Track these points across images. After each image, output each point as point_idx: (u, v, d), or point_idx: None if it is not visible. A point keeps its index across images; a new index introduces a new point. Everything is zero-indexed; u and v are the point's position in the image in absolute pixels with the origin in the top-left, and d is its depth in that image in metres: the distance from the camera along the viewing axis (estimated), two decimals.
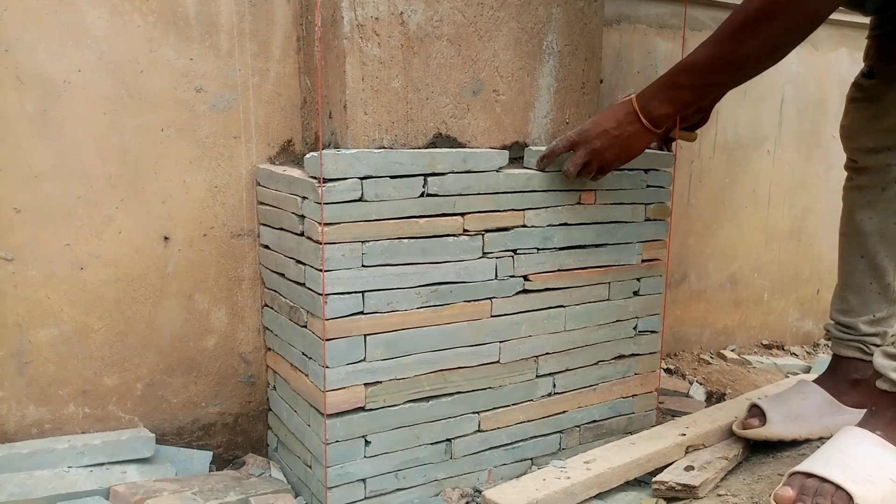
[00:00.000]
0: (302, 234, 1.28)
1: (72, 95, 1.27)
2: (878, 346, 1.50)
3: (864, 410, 1.50)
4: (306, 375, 1.33)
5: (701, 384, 1.99)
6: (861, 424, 1.27)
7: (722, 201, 2.17)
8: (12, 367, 1.30)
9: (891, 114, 1.41)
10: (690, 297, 2.18)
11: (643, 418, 1.67)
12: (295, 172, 1.32)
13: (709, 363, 2.15)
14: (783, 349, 2.40)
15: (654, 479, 1.38)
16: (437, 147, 1.43)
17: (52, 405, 1.34)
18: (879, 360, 1.27)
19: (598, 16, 1.59)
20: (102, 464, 1.31)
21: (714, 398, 1.93)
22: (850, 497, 1.12)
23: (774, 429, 1.45)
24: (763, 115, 2.20)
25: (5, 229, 1.26)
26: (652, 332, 1.64)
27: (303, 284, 1.30)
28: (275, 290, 1.43)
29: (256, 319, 1.50)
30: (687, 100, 1.29)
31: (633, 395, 1.64)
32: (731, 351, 2.27)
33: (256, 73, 1.41)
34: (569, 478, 1.34)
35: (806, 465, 1.20)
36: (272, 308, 1.45)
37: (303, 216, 1.27)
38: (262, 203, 1.44)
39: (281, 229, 1.37)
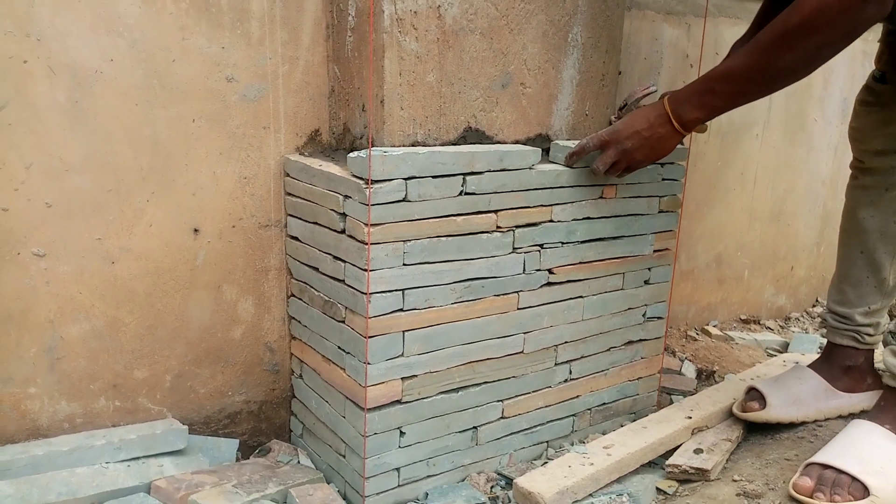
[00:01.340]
0: (342, 232, 1.28)
1: (103, 85, 1.22)
2: (871, 335, 1.61)
3: (856, 395, 1.62)
4: (342, 369, 1.35)
5: (691, 361, 2.09)
6: (870, 418, 1.37)
7: (714, 184, 2.25)
8: (44, 363, 1.28)
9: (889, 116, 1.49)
10: (679, 277, 2.27)
11: (646, 399, 1.76)
12: (333, 169, 1.31)
13: (695, 339, 2.26)
14: (759, 323, 2.53)
15: (667, 463, 1.47)
16: (467, 140, 1.44)
17: (84, 400, 1.33)
18: (889, 359, 1.37)
19: (621, 8, 1.60)
20: (138, 458, 1.32)
21: (704, 375, 2.03)
22: (865, 488, 1.22)
23: (774, 412, 1.55)
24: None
25: (37, 224, 1.22)
26: (658, 318, 1.71)
27: (342, 281, 1.30)
28: (304, 282, 1.43)
29: (282, 309, 1.50)
30: (719, 105, 1.32)
31: (638, 378, 1.72)
32: (714, 327, 2.38)
33: (286, 61, 1.38)
34: (592, 464, 1.41)
35: (822, 457, 1.29)
36: (300, 299, 1.46)
37: (344, 214, 1.27)
38: (290, 194, 1.43)
39: (315, 223, 1.36)
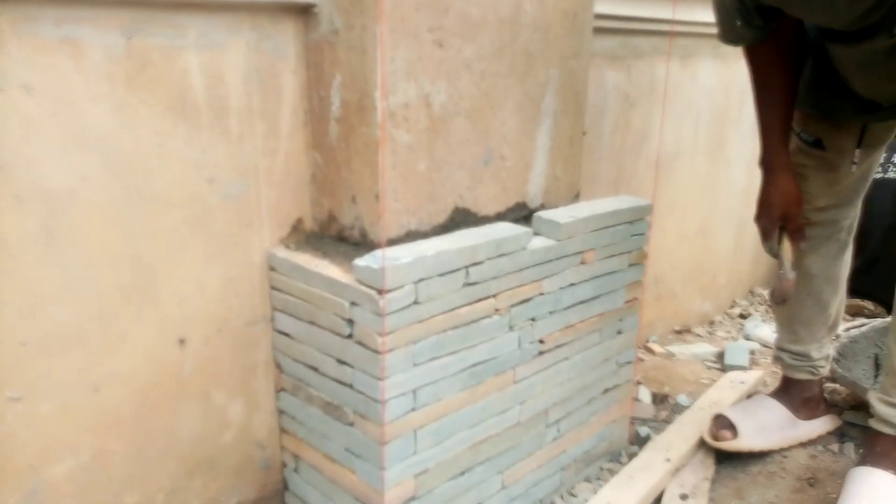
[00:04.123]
0: (349, 337, 1.24)
1: (78, 207, 1.10)
2: (823, 367, 1.75)
3: (814, 421, 1.77)
4: (352, 471, 1.31)
5: (644, 384, 2.19)
6: (868, 464, 1.48)
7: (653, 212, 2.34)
8: None
9: (845, 179, 1.60)
10: None
11: (620, 438, 1.83)
12: (333, 272, 1.25)
13: (642, 360, 2.37)
14: (690, 332, 2.68)
15: None
16: (455, 220, 1.42)
17: None
18: (882, 409, 1.49)
19: (585, 72, 1.62)
20: None
21: (658, 398, 2.14)
22: None
23: (746, 441, 1.68)
24: (683, 128, 2.37)
25: (12, 366, 1.09)
26: (628, 362, 1.78)
27: (350, 386, 1.26)
28: (299, 380, 1.37)
29: (271, 403, 1.43)
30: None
31: (613, 421, 1.79)
32: (654, 342, 2.50)
33: (267, 153, 1.30)
34: None
35: None
36: (294, 395, 1.40)
37: (350, 320, 1.23)
38: (278, 289, 1.36)
39: (311, 323, 1.31)
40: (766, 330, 2.65)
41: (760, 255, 3.01)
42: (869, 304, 2.72)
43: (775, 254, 1.57)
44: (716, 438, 1.70)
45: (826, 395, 2.02)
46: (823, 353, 1.74)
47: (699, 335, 2.69)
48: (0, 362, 1.08)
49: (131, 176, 1.15)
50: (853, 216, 1.69)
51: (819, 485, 1.59)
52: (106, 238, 1.14)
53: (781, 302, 1.56)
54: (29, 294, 1.09)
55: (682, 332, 2.66)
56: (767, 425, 1.71)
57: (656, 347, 2.45)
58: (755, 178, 2.79)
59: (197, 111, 1.20)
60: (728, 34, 1.47)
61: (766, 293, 3.00)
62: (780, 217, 1.53)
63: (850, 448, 1.74)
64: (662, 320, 2.57)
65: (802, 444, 1.75)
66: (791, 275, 1.54)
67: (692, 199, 2.50)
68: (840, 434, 1.81)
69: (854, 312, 2.70)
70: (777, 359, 1.82)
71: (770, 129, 1.52)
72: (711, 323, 2.82)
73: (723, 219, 2.69)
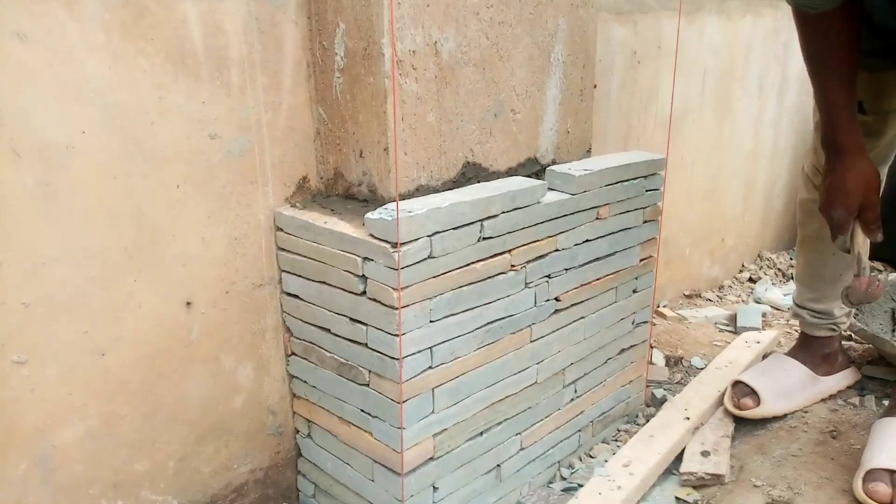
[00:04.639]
0: (362, 294, 1.20)
1: (77, 162, 1.06)
2: (844, 322, 1.71)
3: (834, 376, 1.73)
4: (368, 433, 1.28)
5: (657, 348, 2.16)
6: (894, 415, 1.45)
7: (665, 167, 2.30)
8: (36, 477, 1.12)
9: (882, 143, 1.54)
10: None
11: (637, 399, 1.80)
12: (343, 227, 1.21)
13: (654, 324, 2.33)
14: (700, 296, 2.65)
15: (682, 471, 1.51)
16: (465, 175, 1.38)
17: None
18: None
19: (594, 22, 1.57)
20: None
21: (672, 361, 2.11)
22: None
23: (769, 408, 1.63)
24: (690, 86, 2.32)
25: (14, 329, 1.05)
26: (644, 322, 1.74)
27: (364, 345, 1.22)
28: (311, 343, 1.34)
29: (281, 368, 1.40)
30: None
31: (629, 382, 1.76)
32: (665, 307, 2.46)
33: (269, 108, 1.26)
34: (620, 487, 1.43)
35: (886, 462, 1.35)
36: (305, 359, 1.36)
37: (364, 277, 1.19)
38: (285, 250, 1.32)
39: (322, 283, 1.27)
40: (776, 293, 2.62)
41: (769, 217, 2.97)
42: (878, 265, 2.68)
43: (848, 249, 1.40)
44: (738, 408, 1.66)
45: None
46: (845, 309, 1.70)
47: (709, 300, 2.65)
48: (2, 324, 1.04)
49: (131, 130, 1.10)
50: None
51: (842, 437, 1.57)
52: (106, 195, 1.09)
53: (859, 305, 1.45)
54: (29, 252, 1.04)
55: (692, 297, 2.63)
56: (789, 387, 1.68)
57: (667, 311, 2.41)
58: (762, 139, 2.76)
59: (196, 62, 1.15)
60: None
61: (784, 260, 2.97)
62: (858, 206, 1.35)
63: (870, 401, 1.71)
64: (672, 284, 2.53)
65: (822, 399, 1.72)
66: (869, 273, 1.37)
67: (700, 159, 2.45)
68: (860, 388, 1.78)
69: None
70: (796, 315, 1.78)
71: (839, 107, 1.36)
72: (721, 287, 2.78)
73: (730, 180, 2.65)
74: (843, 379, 1.74)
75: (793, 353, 1.77)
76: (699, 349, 2.16)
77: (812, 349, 1.75)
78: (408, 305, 1.16)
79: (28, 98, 1.00)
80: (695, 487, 1.50)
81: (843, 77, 1.36)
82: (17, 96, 0.99)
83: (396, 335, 1.16)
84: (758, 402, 1.64)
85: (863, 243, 1.39)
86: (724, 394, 1.75)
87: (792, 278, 2.81)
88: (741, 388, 1.69)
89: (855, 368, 1.82)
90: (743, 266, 2.91)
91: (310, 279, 1.29)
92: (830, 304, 1.70)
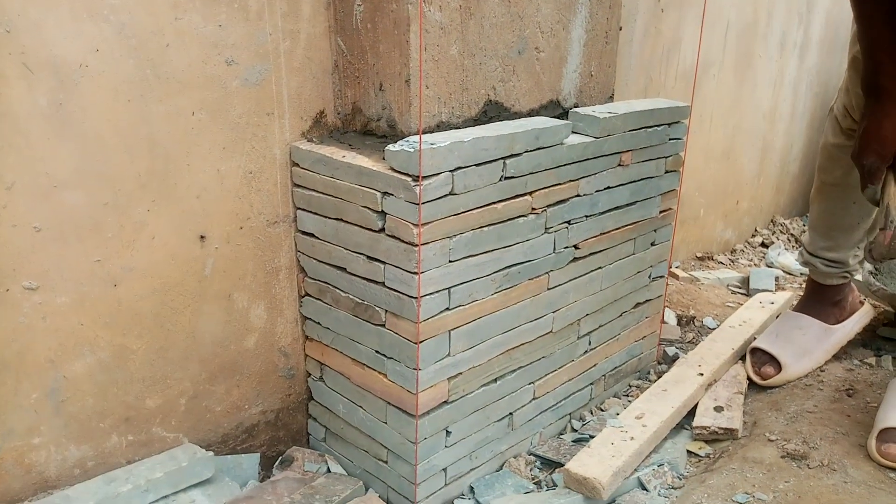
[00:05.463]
0: (381, 231, 1.17)
1: (90, 81, 1.02)
2: (856, 269, 1.70)
3: (846, 322, 1.72)
4: (383, 374, 1.25)
5: (669, 307, 2.13)
6: None
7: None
8: (48, 408, 1.10)
9: None
10: None
11: (649, 356, 1.78)
12: (362, 161, 1.18)
13: (667, 284, 2.30)
14: (712, 259, 2.62)
15: (694, 425, 1.50)
16: (487, 114, 1.34)
17: (94, 440, 1.17)
18: None
19: None
20: (167, 496, 1.18)
21: (684, 321, 2.08)
22: None
23: (791, 371, 1.63)
24: (712, 40, 2.26)
25: (26, 253, 1.02)
26: (661, 276, 1.71)
27: (381, 283, 1.20)
28: (325, 283, 1.31)
29: (294, 310, 1.37)
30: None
31: (643, 338, 1.74)
32: (677, 268, 2.44)
33: (287, 36, 1.21)
34: (633, 438, 1.41)
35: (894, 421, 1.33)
36: (319, 300, 1.33)
37: (383, 212, 1.15)
38: (300, 186, 1.28)
39: (339, 220, 1.23)
40: (789, 258, 2.59)
41: (783, 182, 2.93)
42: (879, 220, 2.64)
43: (877, 201, 1.35)
44: (761, 377, 1.64)
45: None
46: (859, 257, 1.69)
47: (721, 262, 2.62)
48: (14, 248, 1.01)
49: (146, 51, 1.06)
50: None
51: (857, 395, 1.55)
52: (119, 117, 1.06)
53: (883, 260, 1.42)
54: (41, 174, 1.01)
55: (705, 259, 2.60)
56: (807, 346, 1.66)
57: (680, 272, 2.39)
58: (781, 100, 2.71)
59: None
60: None
61: (798, 231, 2.93)
62: (893, 154, 1.30)
63: (887, 361, 1.69)
64: (685, 245, 2.50)
65: (838, 358, 1.70)
66: None
67: (718, 116, 2.40)
68: (877, 347, 1.76)
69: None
70: (806, 263, 1.76)
71: (884, 47, 1.27)
72: (733, 251, 2.75)
73: (748, 141, 2.60)
74: (855, 324, 1.74)
75: (804, 308, 1.75)
76: (712, 310, 2.13)
77: (823, 299, 1.73)
78: (427, 243, 1.13)
79: (40, 11, 0.95)
80: (707, 442, 1.49)
81: (890, 13, 1.28)
82: (29, 8, 0.94)
83: (415, 273, 1.13)
84: (779, 368, 1.62)
85: (893, 195, 1.35)
86: (737, 352, 1.73)
87: None
88: (760, 356, 1.67)
89: (869, 307, 1.82)
90: (756, 230, 2.88)
91: (326, 216, 1.26)
92: (845, 253, 1.68)
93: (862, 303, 1.83)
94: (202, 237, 1.20)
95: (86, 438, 1.16)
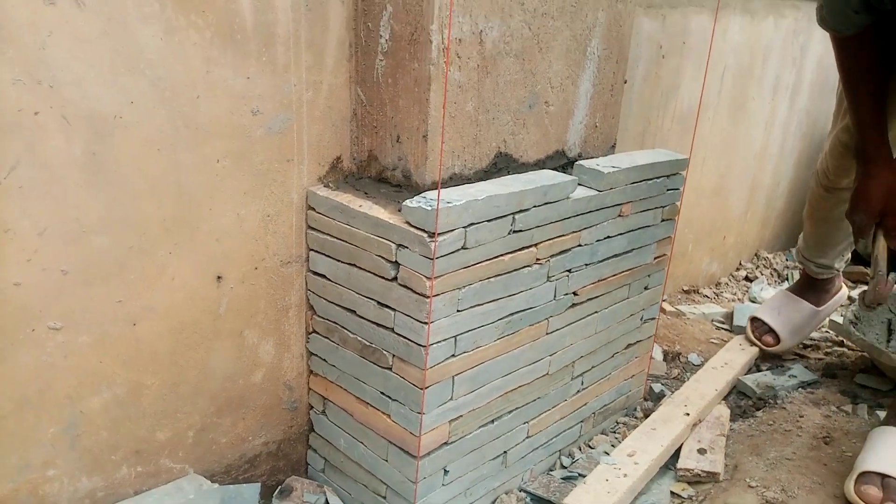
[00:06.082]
0: (393, 280, 1.21)
1: (124, 132, 1.05)
2: (842, 267, 2.01)
3: (829, 303, 2.08)
4: (386, 415, 1.30)
5: (656, 343, 2.20)
6: (893, 424, 1.51)
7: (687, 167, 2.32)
8: (64, 442, 1.14)
9: None
10: None
11: (637, 393, 1.85)
12: (379, 212, 1.22)
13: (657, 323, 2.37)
14: (698, 292, 2.69)
15: (679, 467, 1.56)
16: (497, 166, 1.39)
17: (105, 472, 1.20)
18: None
19: (631, 17, 1.57)
20: None
21: (670, 356, 2.15)
22: None
23: (787, 344, 2.01)
24: (710, 84, 2.33)
25: (53, 295, 1.06)
26: (651, 318, 1.78)
27: (391, 329, 1.24)
28: (334, 322, 1.35)
29: (301, 345, 1.41)
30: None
31: (632, 376, 1.80)
32: (664, 301, 2.51)
33: (311, 87, 1.25)
34: (626, 475, 1.47)
35: (877, 466, 1.40)
36: (326, 338, 1.38)
37: (396, 263, 1.20)
38: (315, 229, 1.32)
39: (352, 265, 1.28)
40: (771, 293, 2.67)
41: (769, 217, 3.02)
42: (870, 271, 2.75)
43: (868, 253, 1.49)
44: (762, 343, 2.01)
45: (835, 358, 2.06)
46: (844, 258, 1.99)
47: (706, 296, 2.70)
48: (42, 290, 1.04)
49: (178, 103, 1.09)
50: None
51: (834, 443, 1.62)
52: (149, 166, 1.09)
53: (876, 306, 1.56)
54: (72, 220, 1.04)
55: (690, 293, 2.67)
56: (800, 323, 2.03)
57: (666, 306, 2.45)
58: (771, 140, 2.79)
59: (245, 37, 1.14)
60: (840, 18, 1.40)
61: (788, 258, 3.02)
62: (879, 212, 1.46)
63: (863, 409, 1.77)
64: (672, 279, 2.57)
65: (816, 404, 1.77)
66: (888, 277, 1.45)
67: (711, 156, 2.48)
68: (853, 395, 1.84)
69: (856, 279, 2.72)
70: (801, 263, 2.07)
71: (868, 121, 1.46)
72: (718, 284, 2.83)
73: (738, 179, 2.68)
74: (836, 304, 2.14)
75: (798, 292, 2.09)
76: (696, 346, 2.20)
77: (816, 288, 2.09)
78: (438, 294, 1.18)
79: (82, 66, 0.99)
80: (690, 483, 1.56)
81: (873, 93, 1.45)
82: (72, 63, 0.98)
83: (425, 323, 1.18)
84: (777, 339, 1.94)
85: (882, 248, 1.48)
86: (720, 393, 1.81)
87: (787, 279, 2.86)
88: (760, 325, 1.99)
89: (845, 289, 2.18)
90: (740, 264, 2.96)
91: (339, 260, 1.30)
92: (833, 260, 1.99)
93: (841, 287, 2.17)
94: (219, 277, 1.24)
95: (97, 470, 1.19)
